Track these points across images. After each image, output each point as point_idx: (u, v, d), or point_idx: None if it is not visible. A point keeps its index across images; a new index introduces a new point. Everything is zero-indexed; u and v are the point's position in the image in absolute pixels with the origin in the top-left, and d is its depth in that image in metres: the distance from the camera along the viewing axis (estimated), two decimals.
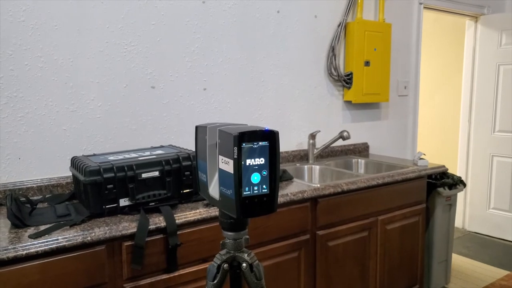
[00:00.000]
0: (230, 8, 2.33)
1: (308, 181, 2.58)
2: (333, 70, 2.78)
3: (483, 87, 3.94)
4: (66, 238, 1.36)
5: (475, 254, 3.62)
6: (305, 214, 1.97)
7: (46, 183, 1.85)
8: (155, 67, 2.12)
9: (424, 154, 2.66)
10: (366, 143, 3.09)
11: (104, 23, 1.95)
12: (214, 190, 0.90)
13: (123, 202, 1.57)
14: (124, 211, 1.58)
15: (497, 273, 3.23)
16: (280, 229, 1.89)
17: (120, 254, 1.48)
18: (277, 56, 2.55)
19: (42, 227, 1.41)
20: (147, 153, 1.77)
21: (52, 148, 1.88)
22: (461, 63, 4.13)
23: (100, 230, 1.42)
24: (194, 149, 1.01)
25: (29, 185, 1.81)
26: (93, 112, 1.96)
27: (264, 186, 0.82)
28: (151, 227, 1.51)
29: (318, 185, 2.01)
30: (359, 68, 2.81)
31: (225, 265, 0.92)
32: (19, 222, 1.42)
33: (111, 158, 1.67)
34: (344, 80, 2.82)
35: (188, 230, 1.61)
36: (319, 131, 2.68)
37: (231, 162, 0.79)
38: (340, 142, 2.91)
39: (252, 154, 0.80)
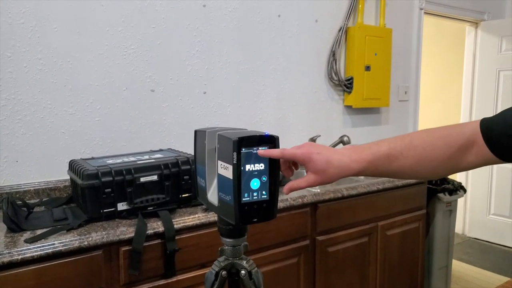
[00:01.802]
0: (231, 12, 2.32)
1: None
2: (333, 75, 2.77)
3: (483, 93, 3.93)
4: (62, 242, 1.34)
5: (475, 260, 3.60)
6: (304, 220, 1.95)
7: (44, 187, 1.83)
8: (155, 70, 2.10)
9: None
10: None
11: (104, 26, 1.94)
12: (212, 195, 0.88)
13: (121, 206, 1.56)
14: (122, 215, 1.56)
15: (497, 279, 3.21)
16: (279, 235, 1.87)
17: (117, 259, 1.47)
18: (277, 60, 2.54)
19: (39, 231, 1.40)
20: (146, 156, 1.75)
21: (50, 151, 1.86)
22: (462, 69, 4.13)
23: (97, 235, 1.41)
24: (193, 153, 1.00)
25: (26, 188, 1.80)
26: (92, 115, 1.95)
27: (263, 192, 0.80)
28: (149, 232, 1.50)
29: (318, 190, 2.00)
30: (359, 73, 2.80)
31: (224, 272, 0.91)
32: (15, 226, 1.41)
33: (110, 161, 1.66)
34: (345, 85, 2.81)
35: (187, 235, 1.60)
36: (319, 135, 2.67)
37: (230, 167, 0.78)
38: (340, 147, 2.89)
39: (252, 159, 0.78)
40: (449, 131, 0.80)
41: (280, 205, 1.82)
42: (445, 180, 2.77)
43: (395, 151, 0.81)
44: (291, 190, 0.85)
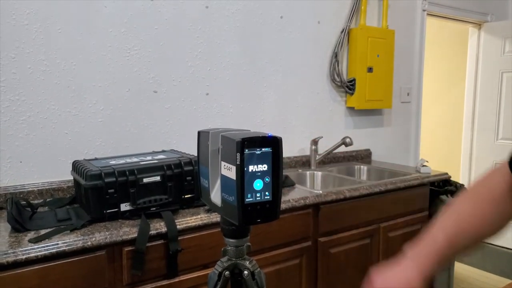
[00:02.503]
0: (233, 13, 2.33)
1: (310, 187, 2.56)
2: (336, 76, 2.78)
3: (486, 95, 3.93)
4: (66, 242, 1.35)
5: (477, 263, 3.59)
6: (307, 221, 1.96)
7: (47, 187, 1.84)
8: (157, 71, 2.11)
9: (427, 161, 2.65)
10: (369, 150, 3.08)
11: (107, 27, 1.96)
12: (216, 196, 0.89)
13: (124, 207, 1.56)
14: (125, 216, 1.57)
15: (499, 281, 3.21)
16: (281, 236, 1.87)
17: (120, 260, 1.47)
18: (279, 62, 2.55)
19: (42, 231, 1.41)
20: (149, 157, 1.76)
21: (53, 152, 1.87)
22: (464, 70, 4.13)
23: (100, 235, 1.41)
24: (196, 154, 1.00)
25: (30, 189, 1.80)
26: (95, 116, 1.96)
27: (266, 193, 0.81)
28: (152, 232, 1.50)
29: (320, 192, 2.00)
30: (362, 74, 2.80)
31: (227, 273, 0.91)
32: (19, 226, 1.41)
33: (113, 162, 1.66)
34: (347, 86, 2.82)
35: (189, 236, 1.60)
36: (322, 137, 2.67)
37: (234, 168, 0.79)
38: (342, 148, 2.90)
39: (255, 160, 0.79)
40: (489, 189, 0.80)
41: (283, 206, 1.83)
42: (447, 182, 2.77)
43: (451, 236, 0.80)
44: None
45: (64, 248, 1.34)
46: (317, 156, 2.66)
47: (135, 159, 1.72)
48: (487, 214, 0.79)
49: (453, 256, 0.83)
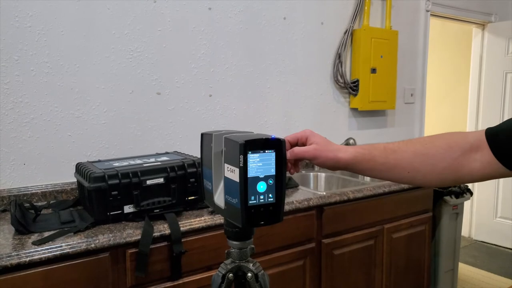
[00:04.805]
0: (236, 14, 2.33)
1: (314, 188, 2.56)
2: (339, 77, 2.77)
3: (490, 95, 3.91)
4: (69, 245, 1.35)
5: (482, 264, 3.57)
6: (310, 222, 1.95)
7: (51, 189, 1.84)
8: (161, 73, 2.11)
9: None
10: None
11: (110, 29, 1.96)
12: (219, 198, 0.89)
13: (128, 209, 1.56)
14: (129, 218, 1.57)
15: (504, 282, 3.19)
16: (285, 237, 1.87)
17: (124, 262, 1.47)
18: (283, 63, 2.54)
19: (46, 234, 1.41)
20: (152, 159, 1.76)
21: (57, 154, 1.87)
22: (468, 71, 4.11)
23: (104, 237, 1.41)
24: (199, 156, 1.00)
25: (34, 191, 1.81)
26: (99, 118, 1.96)
27: (270, 195, 0.80)
28: (156, 234, 1.50)
29: (324, 193, 2.00)
30: (365, 75, 2.79)
31: (230, 275, 0.91)
32: (23, 228, 1.42)
33: (116, 164, 1.66)
34: (350, 87, 2.81)
35: (193, 238, 1.60)
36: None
37: (237, 170, 0.78)
38: None
39: (258, 162, 0.79)
40: (451, 135, 0.80)
41: (286, 207, 1.82)
42: None
43: (392, 145, 0.82)
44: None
45: (68, 250, 1.34)
46: None
47: (138, 161, 1.72)
48: (436, 150, 0.78)
49: (380, 163, 0.82)
